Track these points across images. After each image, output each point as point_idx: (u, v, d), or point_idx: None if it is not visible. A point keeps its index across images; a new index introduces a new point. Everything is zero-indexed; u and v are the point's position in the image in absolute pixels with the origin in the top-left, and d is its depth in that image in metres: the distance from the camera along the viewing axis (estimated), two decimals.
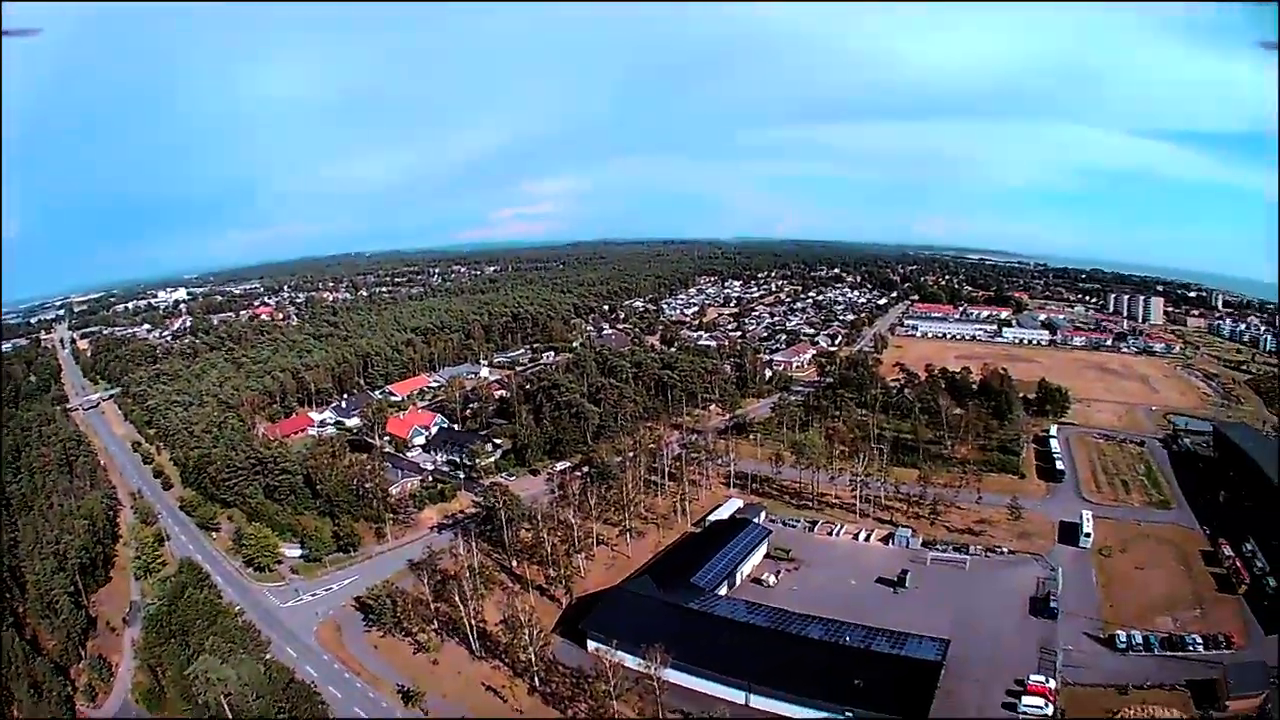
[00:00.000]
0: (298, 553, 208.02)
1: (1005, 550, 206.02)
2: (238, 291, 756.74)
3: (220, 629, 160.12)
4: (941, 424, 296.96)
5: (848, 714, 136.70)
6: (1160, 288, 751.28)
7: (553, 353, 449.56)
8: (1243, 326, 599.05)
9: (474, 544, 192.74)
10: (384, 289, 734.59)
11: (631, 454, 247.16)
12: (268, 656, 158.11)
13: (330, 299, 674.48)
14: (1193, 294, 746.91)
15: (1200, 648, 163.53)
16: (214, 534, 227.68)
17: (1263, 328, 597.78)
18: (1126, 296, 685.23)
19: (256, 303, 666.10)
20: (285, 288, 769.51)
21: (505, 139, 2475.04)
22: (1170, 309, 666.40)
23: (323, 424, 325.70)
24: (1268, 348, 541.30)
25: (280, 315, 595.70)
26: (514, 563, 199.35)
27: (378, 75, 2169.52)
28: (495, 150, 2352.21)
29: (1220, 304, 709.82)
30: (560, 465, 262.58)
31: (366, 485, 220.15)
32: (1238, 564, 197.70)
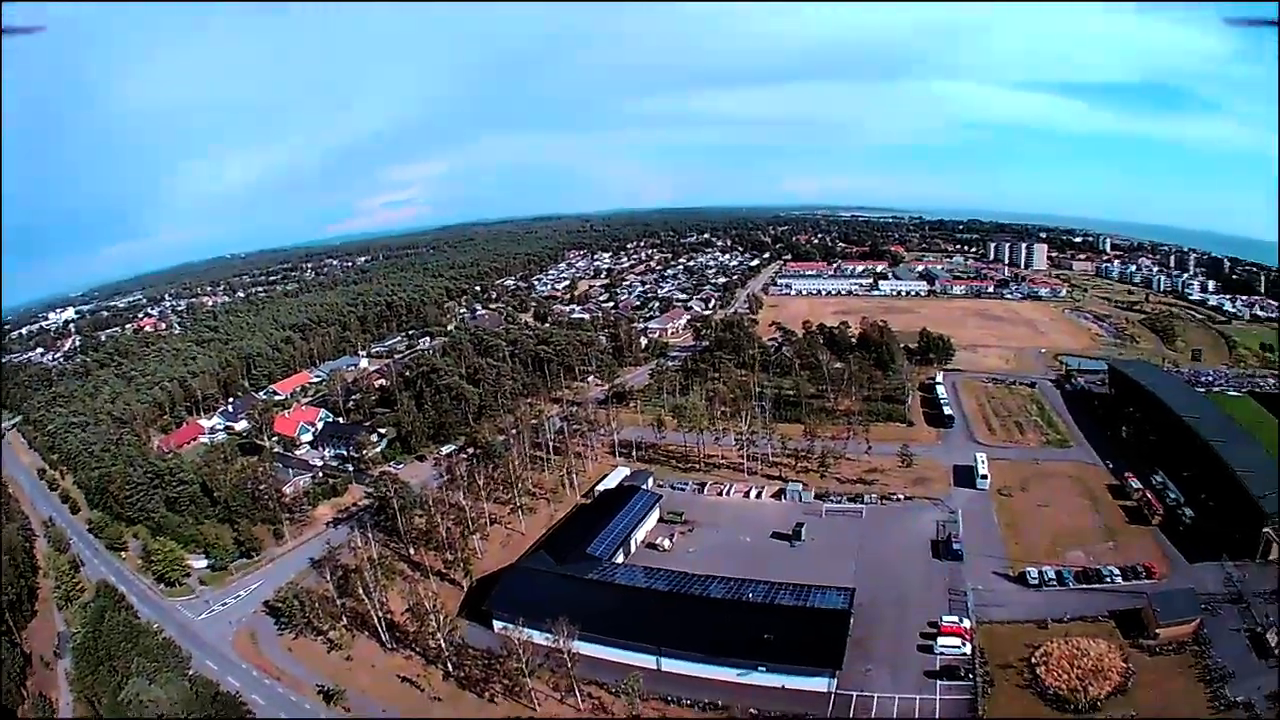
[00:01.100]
0: (204, 563, 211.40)
1: (901, 497, 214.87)
2: (122, 305, 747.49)
3: (143, 649, 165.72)
4: (823, 378, 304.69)
5: (760, 669, 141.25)
6: (1044, 234, 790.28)
7: (428, 338, 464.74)
8: (1134, 268, 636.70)
9: (371, 536, 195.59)
10: (260, 289, 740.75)
11: (514, 431, 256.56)
12: (191, 672, 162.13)
13: (209, 304, 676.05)
14: (1079, 239, 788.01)
15: (1119, 579, 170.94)
16: (123, 553, 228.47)
17: (1155, 268, 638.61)
18: (1008, 244, 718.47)
19: (140, 315, 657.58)
20: (166, 297, 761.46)
21: (371, 127, 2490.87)
22: (1055, 254, 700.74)
23: (213, 430, 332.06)
24: (1161, 288, 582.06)
25: (164, 325, 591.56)
26: (411, 551, 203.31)
27: (238, 76, 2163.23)
28: (361, 140, 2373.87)
29: (1109, 247, 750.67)
30: (446, 449, 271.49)
31: (260, 488, 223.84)
32: (1148, 496, 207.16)
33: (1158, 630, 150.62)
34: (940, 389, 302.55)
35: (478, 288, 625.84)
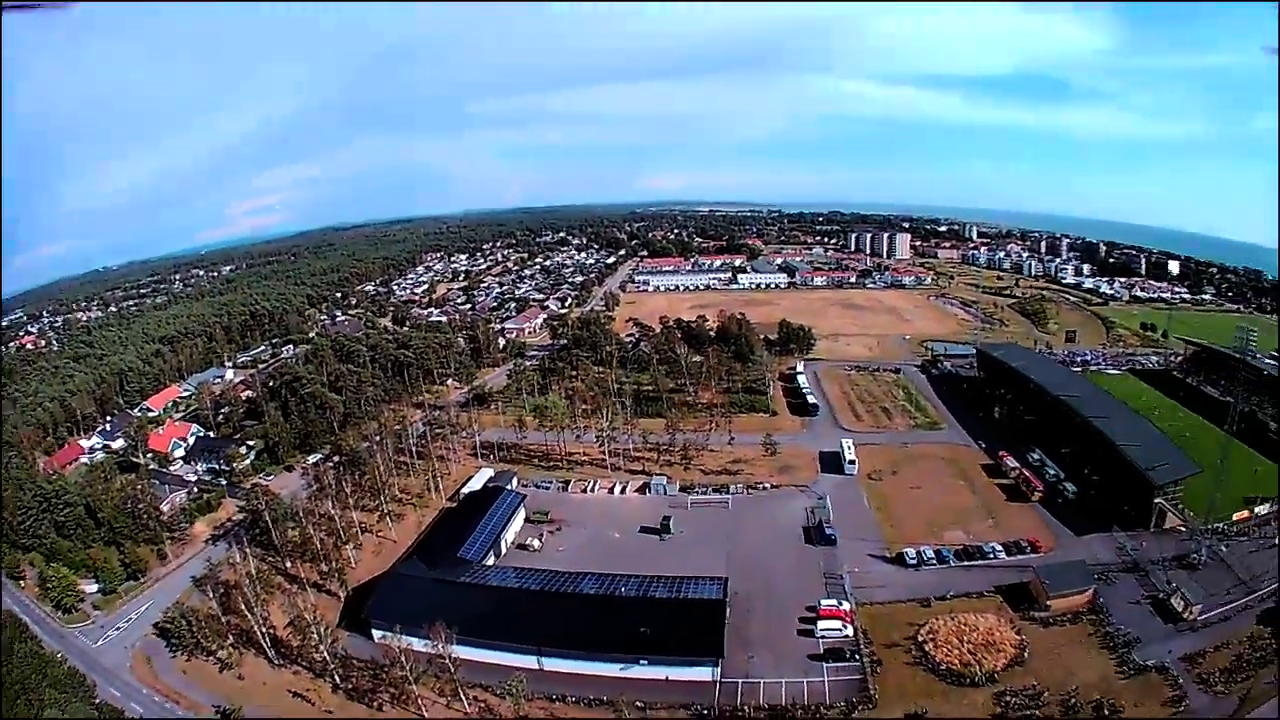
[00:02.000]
0: (95, 588, 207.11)
1: (767, 486, 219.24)
2: (4, 324, 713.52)
3: (53, 680, 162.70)
4: (682, 372, 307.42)
5: (642, 662, 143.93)
6: (907, 224, 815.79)
7: (291, 346, 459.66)
8: (1002, 254, 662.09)
9: (247, 551, 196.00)
10: (131, 302, 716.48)
11: (378, 437, 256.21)
12: (97, 700, 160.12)
13: (84, 319, 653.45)
14: (943, 228, 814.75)
15: (1002, 555, 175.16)
16: (22, 582, 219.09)
17: (1025, 254, 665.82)
18: (870, 235, 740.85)
19: (21, 333, 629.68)
20: (44, 313, 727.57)
21: (240, 130, 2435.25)
22: (919, 244, 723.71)
23: (92, 450, 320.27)
24: (1032, 272, 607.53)
25: (42, 342, 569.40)
26: (288, 563, 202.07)
27: (100, 84, 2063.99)
28: (226, 146, 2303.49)
29: (975, 235, 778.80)
30: (313, 458, 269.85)
31: (140, 507, 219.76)
32: (1025, 474, 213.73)
33: (1049, 602, 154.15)
34: (802, 378, 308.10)
35: (338, 294, 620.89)
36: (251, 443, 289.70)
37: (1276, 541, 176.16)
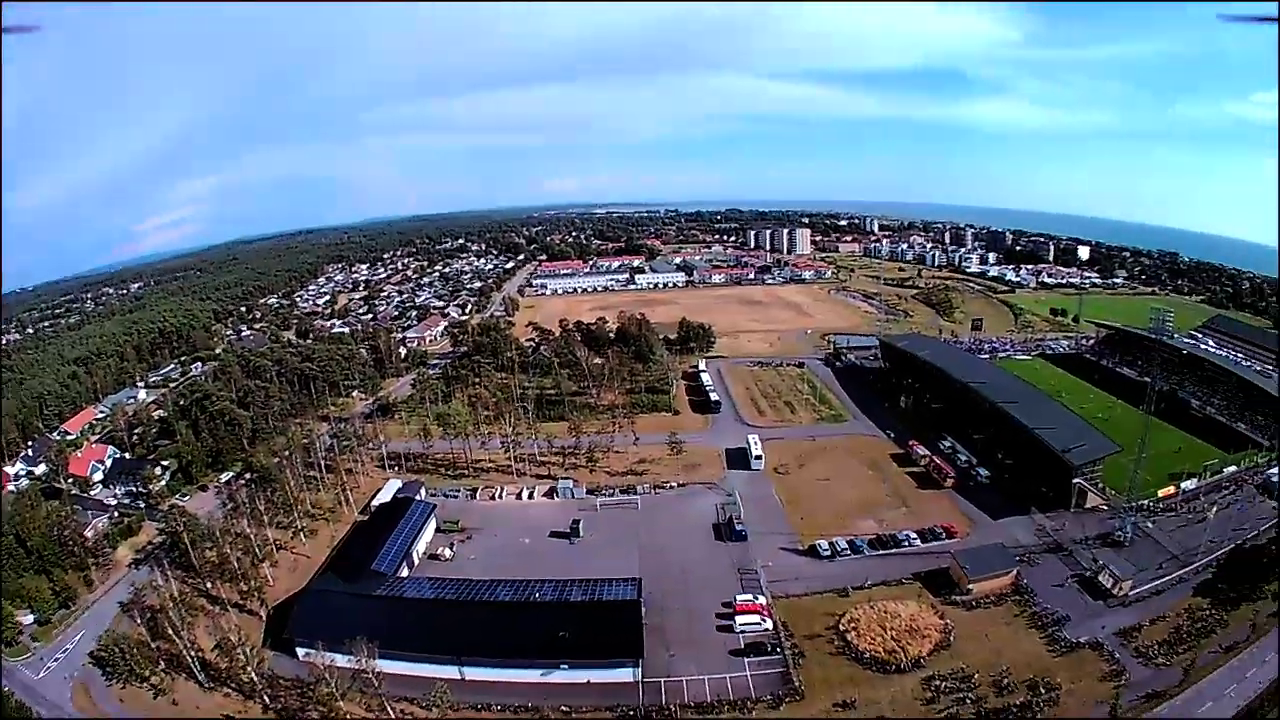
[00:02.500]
0: (30, 618, 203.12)
1: (674, 485, 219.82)
2: None
3: (4, 717, 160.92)
4: (584, 375, 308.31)
5: (563, 666, 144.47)
6: (806, 219, 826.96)
7: (200, 363, 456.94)
8: (905, 246, 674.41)
9: (169, 574, 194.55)
10: (46, 323, 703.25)
11: (287, 452, 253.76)
12: None
13: (4, 341, 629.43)
14: (844, 222, 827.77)
15: (918, 542, 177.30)
16: None
17: (929, 245, 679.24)
18: (769, 231, 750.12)
19: None
20: None
21: (145, 144, 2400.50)
22: (820, 239, 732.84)
23: (17, 477, 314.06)
24: (936, 263, 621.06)
25: None
26: (209, 584, 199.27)
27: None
28: (131, 162, 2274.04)
29: (876, 228, 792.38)
30: (225, 476, 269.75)
31: (65, 534, 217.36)
32: (936, 461, 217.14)
33: (970, 586, 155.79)
34: (704, 376, 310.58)
35: (243, 308, 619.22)
36: (166, 463, 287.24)
37: (1207, 515, 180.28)
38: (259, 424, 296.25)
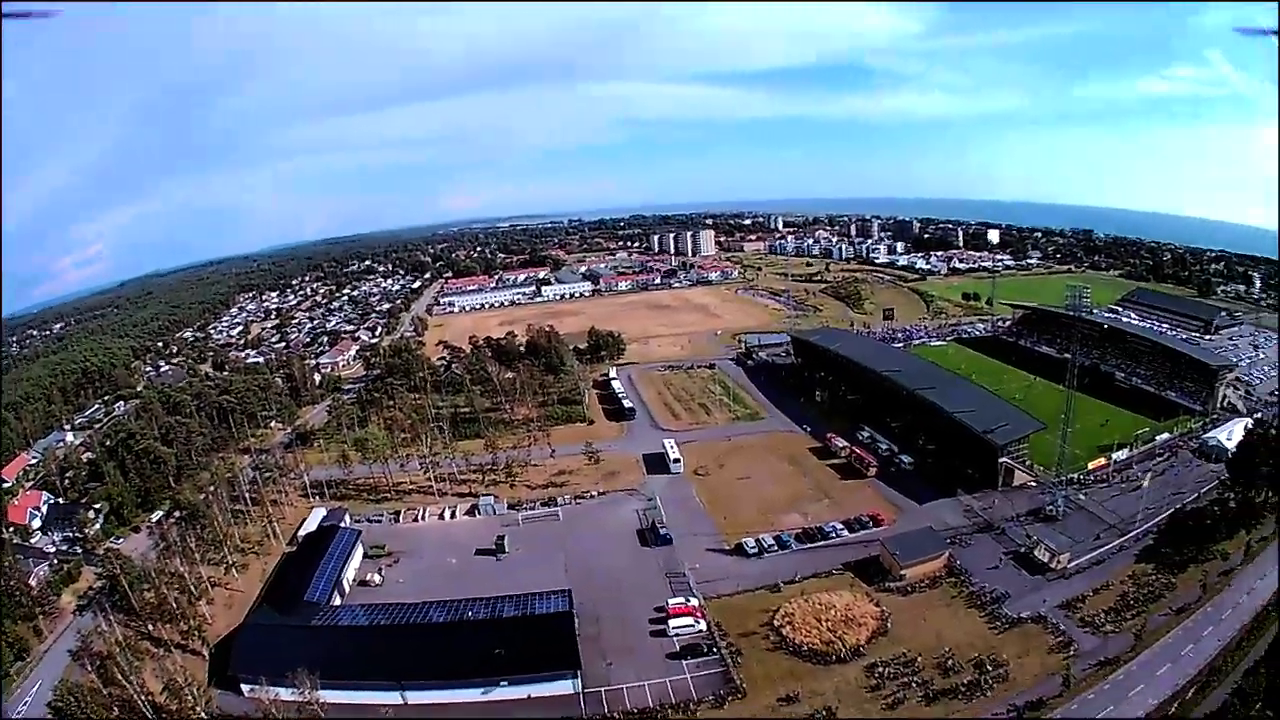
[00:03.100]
0: None
1: (595, 494, 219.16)
2: None
3: None
4: (496, 390, 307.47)
5: (503, 683, 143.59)
6: (710, 221, 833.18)
7: (122, 402, 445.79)
8: (810, 241, 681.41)
9: (112, 618, 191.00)
10: None
11: (212, 488, 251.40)
12: None
13: None
14: (748, 221, 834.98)
15: (845, 533, 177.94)
16: None
17: (835, 238, 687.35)
18: (673, 235, 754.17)
19: None
20: None
21: (52, 183, 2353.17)
22: (724, 239, 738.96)
23: None
24: (844, 256, 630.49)
25: None
26: (149, 626, 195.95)
27: None
28: (46, 195, 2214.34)
29: (780, 225, 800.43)
30: (155, 515, 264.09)
31: (13, 584, 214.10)
32: (856, 452, 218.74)
33: (903, 571, 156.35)
34: (616, 384, 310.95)
35: (160, 343, 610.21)
36: (98, 505, 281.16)
37: (1142, 483, 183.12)
38: (183, 460, 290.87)
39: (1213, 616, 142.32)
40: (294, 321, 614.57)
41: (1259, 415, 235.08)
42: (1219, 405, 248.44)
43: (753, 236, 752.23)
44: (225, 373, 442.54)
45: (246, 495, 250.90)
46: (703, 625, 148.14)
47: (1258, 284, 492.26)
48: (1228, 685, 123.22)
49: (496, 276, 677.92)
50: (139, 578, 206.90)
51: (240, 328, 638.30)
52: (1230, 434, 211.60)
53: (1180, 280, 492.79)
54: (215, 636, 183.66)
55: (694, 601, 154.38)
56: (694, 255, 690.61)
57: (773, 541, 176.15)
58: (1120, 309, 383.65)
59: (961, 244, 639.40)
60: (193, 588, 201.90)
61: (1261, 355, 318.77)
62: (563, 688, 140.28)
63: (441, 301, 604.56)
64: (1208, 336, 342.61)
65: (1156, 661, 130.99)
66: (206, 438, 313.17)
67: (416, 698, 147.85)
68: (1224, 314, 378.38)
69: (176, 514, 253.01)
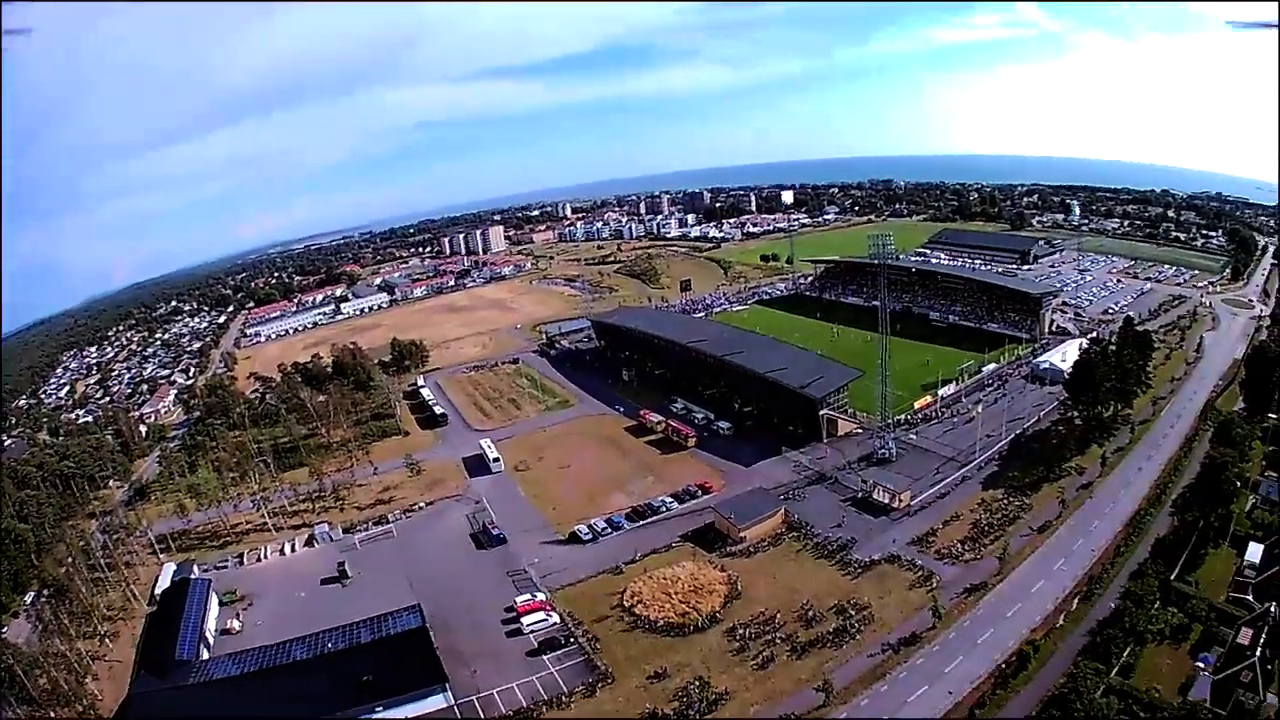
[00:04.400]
0: None
1: (423, 505, 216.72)
2: None
3: None
4: (311, 416, 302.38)
5: (378, 709, 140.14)
6: (498, 217, 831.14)
7: None
8: (600, 224, 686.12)
9: (17, 711, 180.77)
10: None
11: (70, 559, 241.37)
12: None
13: None
14: (535, 212, 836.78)
15: (676, 506, 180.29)
16: None
17: (624, 219, 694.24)
18: (463, 235, 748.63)
19: None
20: None
21: None
22: (513, 233, 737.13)
23: None
24: (634, 234, 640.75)
25: None
26: (50, 714, 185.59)
27: None
28: None
29: (569, 212, 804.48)
30: (28, 597, 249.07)
31: None
32: (672, 424, 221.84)
33: (742, 534, 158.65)
34: (425, 391, 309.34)
35: None
36: None
37: (975, 414, 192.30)
38: (40, 534, 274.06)
39: (1080, 529, 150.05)
40: (114, 374, 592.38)
41: (1094, 334, 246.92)
42: (1047, 330, 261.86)
43: (542, 227, 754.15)
44: (61, 438, 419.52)
45: (101, 561, 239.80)
46: (555, 618, 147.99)
47: (1077, 211, 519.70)
48: (1114, 591, 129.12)
49: (296, 300, 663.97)
50: (31, 664, 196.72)
51: (67, 387, 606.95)
52: (1065, 355, 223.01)
53: (991, 218, 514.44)
54: (108, 711, 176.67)
55: (541, 596, 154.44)
56: (485, 253, 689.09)
57: (605, 525, 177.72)
58: (928, 251, 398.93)
59: (755, 209, 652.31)
60: (77, 666, 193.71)
61: (1089, 278, 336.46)
62: (437, 703, 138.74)
63: (248, 333, 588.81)
64: (1025, 267, 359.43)
65: (1028, 580, 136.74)
66: (55, 507, 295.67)
67: None
68: (1042, 243, 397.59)
69: (45, 592, 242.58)
